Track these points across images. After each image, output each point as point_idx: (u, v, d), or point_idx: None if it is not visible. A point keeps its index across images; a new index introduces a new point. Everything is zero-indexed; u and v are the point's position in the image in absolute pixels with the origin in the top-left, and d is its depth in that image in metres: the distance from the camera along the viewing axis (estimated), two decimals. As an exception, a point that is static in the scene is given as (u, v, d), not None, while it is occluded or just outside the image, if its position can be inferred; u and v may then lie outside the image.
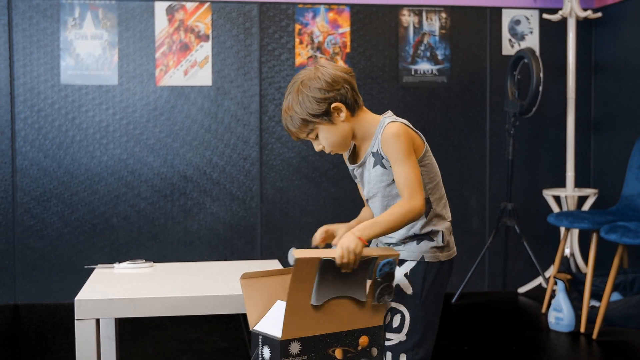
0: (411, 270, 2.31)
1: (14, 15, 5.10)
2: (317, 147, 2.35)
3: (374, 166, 2.31)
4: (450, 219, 2.38)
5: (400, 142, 2.22)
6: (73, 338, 2.29)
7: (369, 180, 2.35)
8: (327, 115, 2.26)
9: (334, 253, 2.11)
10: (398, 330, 2.29)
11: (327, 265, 2.08)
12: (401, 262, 2.33)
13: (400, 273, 2.31)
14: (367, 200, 2.44)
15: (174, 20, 5.22)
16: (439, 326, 2.40)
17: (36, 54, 5.14)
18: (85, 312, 2.28)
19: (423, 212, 2.23)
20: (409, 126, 2.28)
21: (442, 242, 2.33)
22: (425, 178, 2.29)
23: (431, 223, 2.32)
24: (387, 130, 2.24)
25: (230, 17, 5.28)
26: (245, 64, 5.29)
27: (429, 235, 2.32)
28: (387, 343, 2.29)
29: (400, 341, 2.29)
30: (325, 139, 2.30)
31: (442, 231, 2.33)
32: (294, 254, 2.04)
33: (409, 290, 2.30)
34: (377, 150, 2.29)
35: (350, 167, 2.42)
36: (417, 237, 2.32)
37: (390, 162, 2.25)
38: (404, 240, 2.33)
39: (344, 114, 2.28)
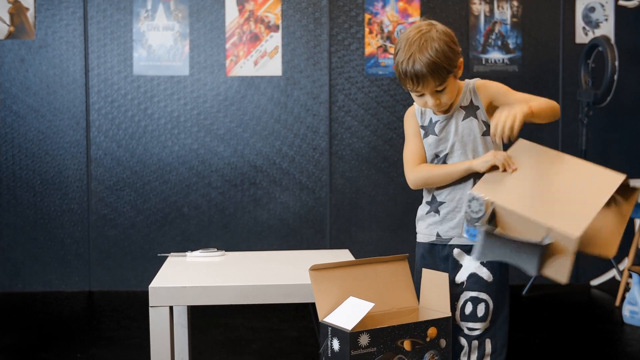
0: None
1: (89, 8, 5.20)
2: (433, 103, 2.28)
3: (464, 119, 2.30)
4: None
5: (498, 83, 2.31)
6: (146, 325, 2.33)
7: (456, 132, 2.32)
8: (456, 68, 2.27)
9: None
10: (484, 319, 2.28)
11: None
12: (472, 249, 2.30)
13: (476, 261, 2.29)
14: (436, 158, 2.38)
15: (244, 10, 5.26)
16: (509, 318, 2.38)
17: (110, 46, 5.24)
18: (160, 300, 2.32)
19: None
20: None
21: None
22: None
23: None
24: (480, 81, 2.32)
25: (300, 7, 5.29)
26: (315, 54, 5.30)
27: None
28: (472, 333, 2.28)
29: (486, 328, 2.28)
30: (450, 92, 2.27)
31: None
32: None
33: (489, 277, 2.28)
34: (470, 103, 2.30)
35: (435, 119, 2.36)
36: None
37: (499, 100, 2.28)
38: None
39: (461, 70, 2.30)
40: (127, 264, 5.30)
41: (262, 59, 5.28)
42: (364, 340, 2.05)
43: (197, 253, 2.90)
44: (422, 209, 2.44)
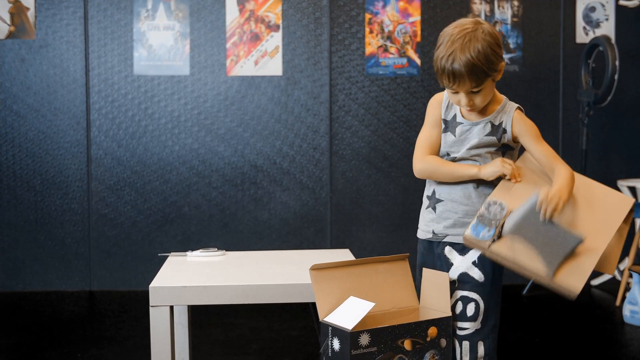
0: (479, 257, 2.29)
1: (89, 7, 5.21)
2: (466, 102, 2.25)
3: (487, 134, 2.29)
4: None
5: (533, 125, 2.32)
6: (147, 324, 2.34)
7: (475, 143, 2.31)
8: (495, 72, 2.25)
9: None
10: (473, 318, 2.28)
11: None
12: (464, 249, 2.31)
13: (467, 261, 2.30)
14: (447, 156, 2.38)
15: (245, 10, 5.26)
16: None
17: (110, 45, 5.24)
18: (160, 299, 2.32)
19: None
20: None
21: None
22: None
23: None
24: (520, 114, 2.31)
25: (301, 7, 5.29)
26: (315, 53, 5.31)
27: None
28: (462, 332, 2.28)
29: (476, 329, 2.28)
30: (485, 95, 2.25)
31: None
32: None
33: (480, 277, 2.29)
34: (501, 125, 2.29)
35: (459, 119, 2.34)
36: None
37: (526, 141, 2.29)
38: (465, 224, 2.31)
39: (500, 74, 2.28)
40: (128, 264, 5.30)
41: (262, 59, 5.28)
42: (364, 339, 2.05)
43: (197, 253, 2.90)
44: (423, 203, 2.44)
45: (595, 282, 5.36)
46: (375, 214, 5.37)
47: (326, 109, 5.32)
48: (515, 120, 2.29)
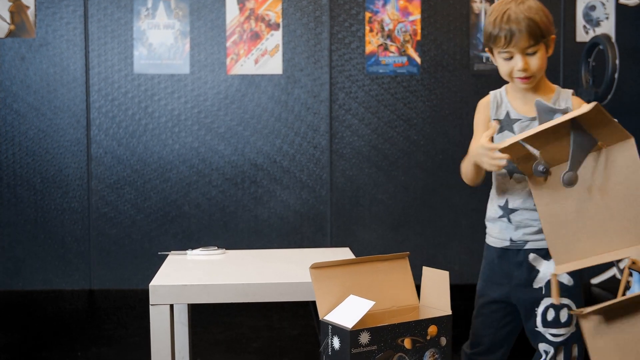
0: None
1: (89, 6, 5.20)
2: (521, 65, 2.18)
3: None
4: None
5: None
6: (147, 323, 2.33)
7: None
8: (547, 39, 2.21)
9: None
10: (568, 323, 2.26)
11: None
12: (549, 254, 2.25)
13: (553, 267, 2.25)
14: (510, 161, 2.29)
15: (245, 9, 5.26)
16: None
17: (110, 44, 5.24)
18: (160, 298, 2.32)
19: None
20: None
21: None
22: None
23: None
24: (578, 99, 2.26)
25: (301, 6, 5.29)
26: (316, 52, 5.30)
27: None
28: (557, 339, 2.27)
29: (572, 333, 2.27)
30: (540, 59, 2.18)
31: None
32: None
33: (569, 281, 2.27)
34: (566, 109, 2.21)
35: (514, 116, 2.27)
36: None
37: None
38: None
39: (552, 48, 2.24)
40: (128, 262, 5.30)
41: (262, 57, 5.28)
42: (364, 338, 2.05)
43: (197, 251, 2.90)
44: (494, 211, 2.37)
45: (595, 280, 5.36)
46: (375, 212, 5.37)
47: (326, 107, 5.31)
48: (574, 100, 2.26)
